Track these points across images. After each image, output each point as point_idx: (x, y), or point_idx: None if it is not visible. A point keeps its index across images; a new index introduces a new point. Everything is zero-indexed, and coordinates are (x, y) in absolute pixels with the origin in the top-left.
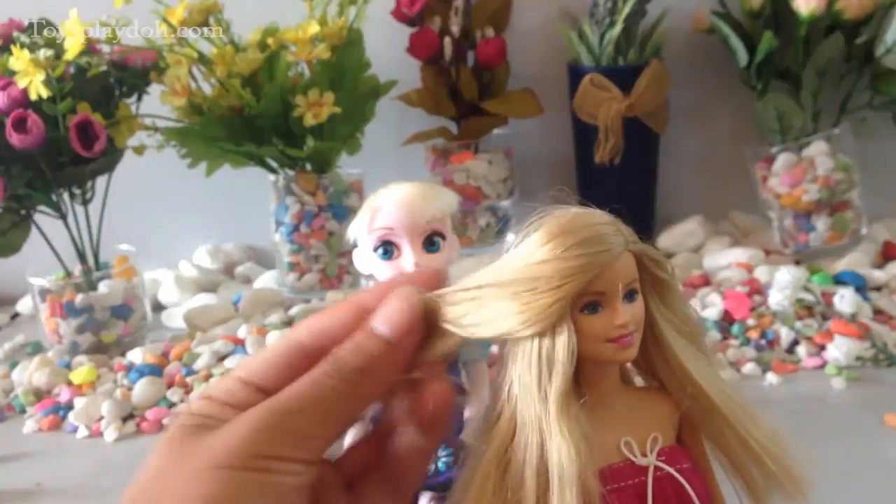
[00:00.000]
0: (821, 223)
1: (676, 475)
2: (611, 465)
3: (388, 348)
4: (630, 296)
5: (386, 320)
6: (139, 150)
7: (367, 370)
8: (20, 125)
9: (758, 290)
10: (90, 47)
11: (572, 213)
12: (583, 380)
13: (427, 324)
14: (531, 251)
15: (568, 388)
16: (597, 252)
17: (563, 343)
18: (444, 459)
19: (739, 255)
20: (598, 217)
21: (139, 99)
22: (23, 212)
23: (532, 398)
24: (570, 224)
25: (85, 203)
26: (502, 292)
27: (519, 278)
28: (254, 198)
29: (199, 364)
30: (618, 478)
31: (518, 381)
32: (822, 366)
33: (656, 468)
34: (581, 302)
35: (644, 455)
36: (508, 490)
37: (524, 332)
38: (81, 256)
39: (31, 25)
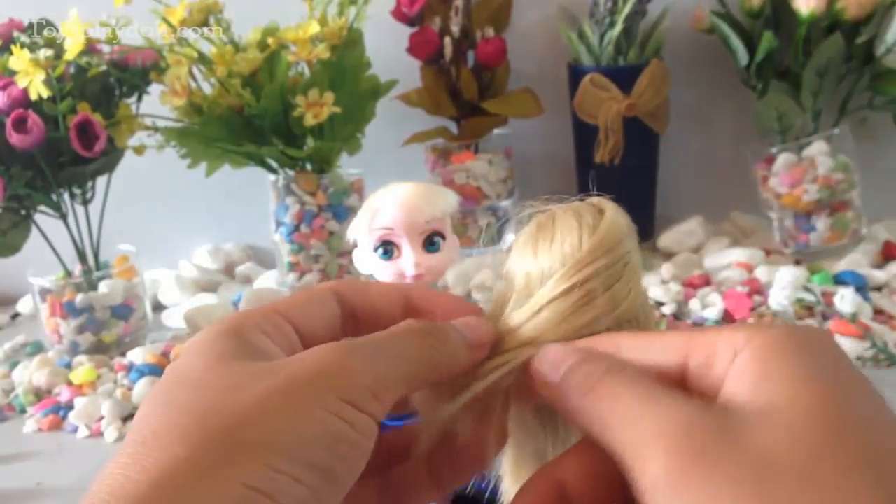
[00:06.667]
0: (821, 223)
1: None
2: None
3: (466, 347)
4: None
5: (468, 329)
6: (139, 150)
7: (445, 350)
8: (20, 125)
9: (758, 290)
10: (90, 47)
11: None
12: None
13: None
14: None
15: None
16: None
17: None
18: None
19: (739, 255)
20: None
21: (139, 99)
22: (23, 212)
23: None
24: None
25: (85, 203)
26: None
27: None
28: (254, 198)
29: None
30: None
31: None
32: None
33: None
34: None
35: None
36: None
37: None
38: (81, 256)
39: (31, 25)
